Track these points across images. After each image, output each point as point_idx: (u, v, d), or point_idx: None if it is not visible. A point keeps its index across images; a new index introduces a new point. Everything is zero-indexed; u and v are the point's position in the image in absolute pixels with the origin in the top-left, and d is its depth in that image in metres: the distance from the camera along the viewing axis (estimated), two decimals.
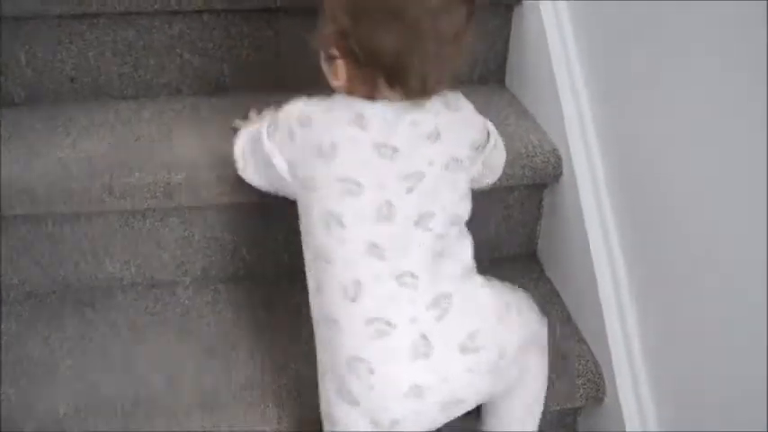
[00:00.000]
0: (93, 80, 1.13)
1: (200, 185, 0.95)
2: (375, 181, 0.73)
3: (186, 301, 1.03)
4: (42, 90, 1.12)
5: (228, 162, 0.89)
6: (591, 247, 0.96)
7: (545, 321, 0.87)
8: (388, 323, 0.72)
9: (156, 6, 1.06)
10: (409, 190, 0.74)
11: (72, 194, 0.94)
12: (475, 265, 0.79)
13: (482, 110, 0.82)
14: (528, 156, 1.01)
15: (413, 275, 0.73)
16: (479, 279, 0.79)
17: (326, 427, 0.79)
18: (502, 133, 0.88)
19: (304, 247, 0.79)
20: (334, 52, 0.73)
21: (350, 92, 0.75)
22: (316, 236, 0.75)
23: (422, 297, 0.73)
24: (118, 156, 0.98)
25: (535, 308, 0.86)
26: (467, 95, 0.80)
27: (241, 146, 0.86)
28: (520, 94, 1.18)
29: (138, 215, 1.01)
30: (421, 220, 0.74)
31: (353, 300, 0.73)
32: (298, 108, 0.76)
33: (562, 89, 1.03)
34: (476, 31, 0.83)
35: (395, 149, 0.74)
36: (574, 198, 1.00)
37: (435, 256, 0.75)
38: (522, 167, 1.01)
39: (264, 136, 0.78)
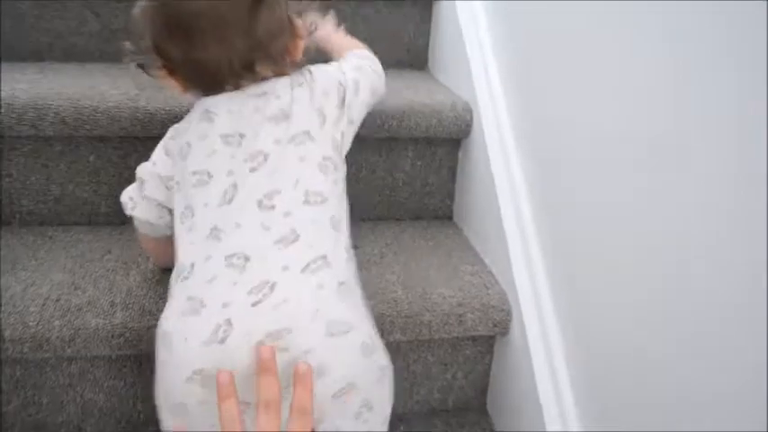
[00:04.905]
0: None
1: None
2: (223, 168, 0.78)
3: None
4: None
5: None
6: None
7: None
8: (202, 303, 0.71)
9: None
10: (252, 170, 0.78)
11: None
12: (336, 262, 0.75)
13: None
14: None
15: (245, 257, 0.72)
16: (327, 281, 0.73)
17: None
18: None
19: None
20: (156, 65, 0.83)
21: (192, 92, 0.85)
22: (175, 228, 0.79)
23: (246, 280, 0.71)
24: None
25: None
26: None
27: (127, 193, 0.88)
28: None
29: None
30: (264, 199, 0.76)
31: (185, 278, 0.74)
32: (170, 129, 0.86)
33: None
34: None
35: (242, 135, 0.80)
36: None
37: (281, 240, 0.73)
38: None
39: (149, 165, 0.85)
